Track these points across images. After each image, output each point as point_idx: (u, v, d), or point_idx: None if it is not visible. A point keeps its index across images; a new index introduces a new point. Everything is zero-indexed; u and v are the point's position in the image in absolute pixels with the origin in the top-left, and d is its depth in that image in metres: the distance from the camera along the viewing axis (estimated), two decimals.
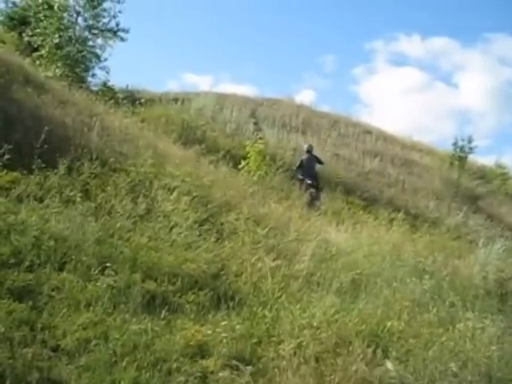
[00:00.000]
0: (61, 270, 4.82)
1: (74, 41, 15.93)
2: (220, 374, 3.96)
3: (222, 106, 17.07)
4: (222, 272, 5.51)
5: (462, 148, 19.01)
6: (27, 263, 4.64)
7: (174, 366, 3.92)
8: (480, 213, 16.44)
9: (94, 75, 16.83)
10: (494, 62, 63.72)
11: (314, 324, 4.46)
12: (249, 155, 12.00)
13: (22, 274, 4.51)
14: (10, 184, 6.00)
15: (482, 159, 22.54)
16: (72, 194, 6.09)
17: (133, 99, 14.95)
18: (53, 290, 4.48)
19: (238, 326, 4.49)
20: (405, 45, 68.30)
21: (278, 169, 12.08)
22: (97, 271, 4.82)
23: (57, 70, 14.56)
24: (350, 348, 4.18)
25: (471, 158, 19.79)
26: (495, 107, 63.95)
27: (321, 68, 63.80)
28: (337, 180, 14.26)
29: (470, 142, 19.05)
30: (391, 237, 8.26)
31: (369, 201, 13.69)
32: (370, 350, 4.20)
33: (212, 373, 3.98)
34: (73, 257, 4.94)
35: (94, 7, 16.51)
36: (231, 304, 4.92)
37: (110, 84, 16.22)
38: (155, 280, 4.99)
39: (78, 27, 16.52)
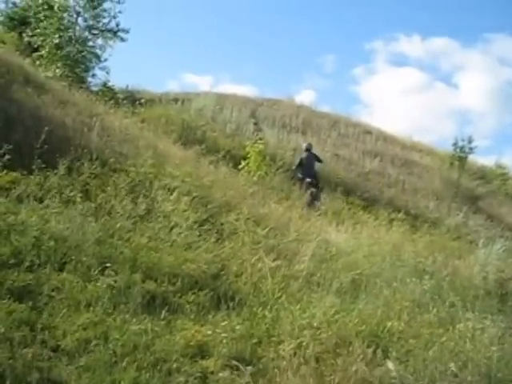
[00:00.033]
0: (61, 270, 4.82)
1: (74, 41, 15.95)
2: (220, 375, 3.96)
3: (222, 106, 17.07)
4: (222, 272, 5.51)
5: (462, 148, 19.01)
6: (27, 263, 4.64)
7: (174, 366, 3.92)
8: (480, 213, 16.45)
9: (94, 75, 16.91)
10: (494, 63, 63.76)
11: (314, 324, 4.46)
12: (249, 155, 12.00)
13: (22, 274, 4.51)
14: (10, 184, 6.00)
15: (482, 159, 22.60)
16: (72, 194, 6.09)
17: (133, 99, 14.95)
18: (53, 291, 4.48)
19: (238, 327, 4.48)
20: (405, 45, 68.41)
21: (278, 169, 12.09)
22: (97, 271, 4.83)
23: (57, 71, 14.57)
24: (350, 348, 4.18)
25: (471, 158, 19.82)
26: (495, 107, 64.00)
27: (321, 68, 63.86)
28: (337, 180, 14.27)
29: (470, 142, 19.07)
30: (391, 237, 8.26)
31: (369, 201, 13.70)
32: (370, 351, 4.20)
33: (212, 373, 3.98)
34: (73, 257, 4.94)
35: (94, 7, 16.54)
36: (231, 304, 4.92)
37: (110, 84, 16.26)
38: (155, 280, 4.99)
39: (78, 27, 16.57)
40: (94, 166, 6.73)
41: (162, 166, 7.68)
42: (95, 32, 16.89)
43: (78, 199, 6.00)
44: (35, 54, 14.90)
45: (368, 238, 7.97)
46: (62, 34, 15.56)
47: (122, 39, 17.19)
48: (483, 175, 20.73)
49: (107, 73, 16.72)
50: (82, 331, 4.07)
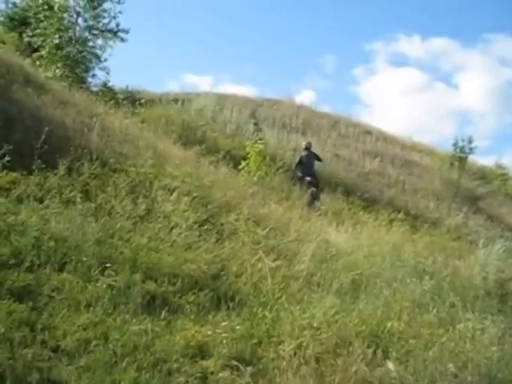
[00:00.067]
0: (61, 270, 4.82)
1: (74, 41, 15.95)
2: (220, 375, 3.96)
3: (222, 106, 17.06)
4: (222, 272, 5.51)
5: (462, 148, 19.01)
6: (27, 264, 4.64)
7: (174, 366, 3.92)
8: (480, 213, 16.44)
9: (94, 76, 16.89)
10: (494, 63, 63.75)
11: (315, 324, 4.46)
12: (249, 156, 12.00)
13: (22, 274, 4.51)
14: (10, 184, 6.00)
15: (482, 160, 22.60)
16: (72, 194, 6.09)
17: (133, 100, 14.95)
18: (53, 291, 4.47)
19: (238, 327, 4.48)
20: (405, 45, 68.40)
21: (278, 169, 12.09)
22: (97, 272, 4.83)
23: (57, 71, 14.57)
24: (351, 348, 4.18)
25: (471, 158, 19.82)
26: (495, 108, 63.97)
27: (321, 68, 63.83)
28: (337, 180, 14.26)
29: (470, 142, 19.07)
30: (391, 237, 8.26)
31: (369, 201, 13.69)
32: (370, 351, 4.20)
33: (212, 373, 3.98)
34: (73, 257, 4.94)
35: (94, 8, 16.54)
36: (231, 304, 4.92)
37: (110, 84, 16.25)
38: (155, 280, 4.99)
39: (78, 28, 16.56)
40: (94, 167, 6.73)
41: (162, 166, 7.68)
42: (95, 32, 16.89)
43: (78, 199, 6.00)
44: (35, 55, 14.90)
45: (368, 238, 7.97)
46: (62, 34, 15.56)
47: (122, 39, 17.19)
48: (483, 175, 20.72)
49: (107, 73, 16.74)
50: (82, 331, 4.06)
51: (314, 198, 11.76)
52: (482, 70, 63.05)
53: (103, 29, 16.90)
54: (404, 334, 4.64)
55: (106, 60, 16.98)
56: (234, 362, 4.05)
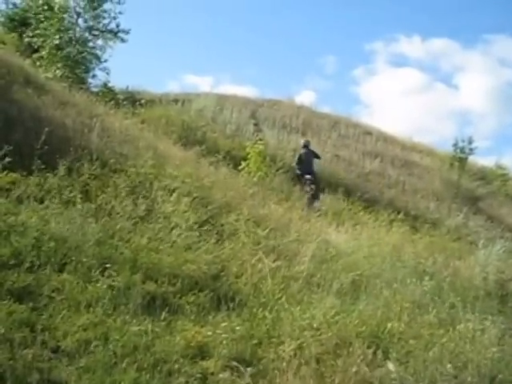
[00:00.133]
0: (61, 271, 4.82)
1: (74, 42, 15.95)
2: (220, 376, 3.96)
3: (223, 106, 17.06)
4: (222, 273, 5.51)
5: (462, 149, 18.99)
6: (27, 264, 4.63)
7: (175, 367, 3.92)
8: (480, 214, 16.44)
9: (94, 76, 16.88)
10: (495, 63, 63.66)
11: (315, 325, 4.46)
12: (249, 156, 11.99)
13: (22, 275, 4.51)
14: (10, 185, 6.00)
15: (482, 160, 22.50)
16: (72, 195, 6.09)
17: (133, 100, 14.93)
18: (53, 291, 4.47)
19: (238, 327, 4.48)
20: (405, 46, 68.34)
21: (278, 170, 12.09)
22: (97, 272, 4.82)
23: (57, 71, 14.57)
24: (351, 349, 4.18)
25: (471, 159, 19.79)
26: (495, 108, 63.85)
27: (321, 69, 63.69)
28: (337, 181, 14.26)
29: (470, 143, 19.04)
30: (391, 238, 8.27)
31: (369, 202, 13.67)
32: (370, 351, 4.20)
33: (212, 374, 3.98)
34: (73, 258, 4.94)
35: (95, 8, 16.54)
36: (231, 305, 4.92)
37: (110, 85, 16.25)
38: (155, 281, 4.99)
39: (78, 28, 16.56)
40: (94, 167, 6.73)
41: (162, 166, 7.68)
42: (95, 33, 16.89)
43: (78, 200, 6.00)
44: (35, 55, 14.90)
45: (368, 238, 7.98)
46: (62, 34, 15.56)
47: (123, 40, 17.19)
48: (483, 176, 20.70)
49: (107, 73, 16.73)
50: (82, 332, 4.06)
51: (314, 197, 11.80)
52: (482, 71, 63.02)
53: (103, 29, 16.91)
54: (404, 335, 4.64)
55: (106, 60, 17.00)
56: (234, 363, 4.05)
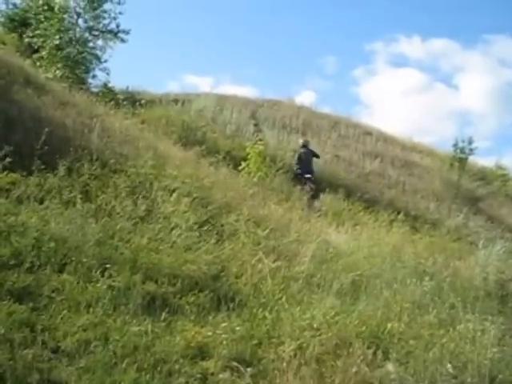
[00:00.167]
0: (61, 271, 4.82)
1: (74, 42, 15.94)
2: (220, 376, 3.96)
3: (223, 107, 17.05)
4: (223, 273, 5.51)
5: (462, 149, 18.99)
6: (27, 264, 4.63)
7: (175, 367, 3.92)
8: (480, 214, 16.43)
9: (94, 76, 16.85)
10: (495, 64, 63.64)
11: (315, 325, 4.46)
12: (249, 156, 11.99)
13: (22, 275, 4.50)
14: (10, 185, 5.99)
15: (482, 160, 22.50)
16: (72, 195, 6.09)
17: (133, 100, 14.93)
18: (53, 292, 4.47)
19: (238, 328, 4.48)
20: (405, 46, 68.29)
21: (278, 170, 12.09)
22: (97, 272, 4.82)
23: (57, 72, 14.55)
24: (351, 349, 4.18)
25: (471, 159, 19.78)
26: (496, 109, 63.84)
27: (321, 69, 63.68)
28: (337, 181, 14.26)
29: (470, 143, 19.03)
30: (391, 238, 8.26)
31: (369, 202, 13.67)
32: (370, 352, 4.20)
33: (212, 374, 3.98)
34: (73, 258, 4.94)
35: (95, 9, 16.53)
36: (231, 305, 4.92)
37: (110, 85, 16.22)
38: (155, 281, 4.99)
39: (78, 29, 16.53)
40: (94, 167, 6.73)
41: (162, 167, 7.68)
42: (96, 33, 16.87)
43: (78, 200, 6.00)
44: (35, 55, 14.89)
45: (368, 239, 7.98)
46: (62, 35, 15.55)
47: (123, 40, 17.17)
48: (483, 176, 20.70)
49: (107, 74, 16.70)
50: (82, 332, 4.06)
51: (314, 196, 11.82)
52: (482, 71, 63.03)
53: (103, 30, 16.89)
54: (404, 335, 4.64)
55: (106, 61, 16.97)
56: (235, 363, 4.05)
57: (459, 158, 18.95)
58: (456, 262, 7.87)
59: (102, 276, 4.78)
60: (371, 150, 18.83)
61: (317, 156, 13.29)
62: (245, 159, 11.91)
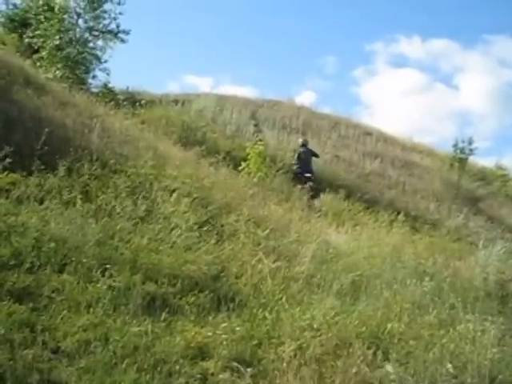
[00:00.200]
0: (61, 271, 4.82)
1: (74, 42, 15.94)
2: (220, 376, 3.96)
3: (223, 107, 17.06)
4: (223, 274, 5.51)
5: (462, 149, 18.98)
6: (27, 265, 4.63)
7: (175, 367, 3.91)
8: (480, 214, 16.43)
9: (94, 77, 16.84)
10: (495, 64, 63.62)
11: (315, 326, 4.46)
12: (249, 157, 11.99)
13: (22, 275, 4.50)
14: (10, 185, 5.99)
15: (482, 161, 22.48)
16: (72, 195, 6.09)
17: (133, 101, 14.92)
18: (53, 292, 4.47)
19: (238, 328, 4.48)
20: (405, 46, 68.20)
21: (278, 170, 12.09)
22: (97, 273, 4.82)
23: (57, 72, 14.55)
24: (351, 350, 4.18)
25: (472, 159, 19.77)
26: (496, 109, 63.81)
27: (321, 70, 63.67)
28: (337, 182, 14.26)
29: (470, 143, 19.03)
30: (391, 238, 8.26)
31: (369, 202, 13.67)
32: (370, 352, 4.20)
33: (212, 375, 3.98)
34: (73, 258, 4.94)
35: (95, 9, 16.52)
36: (231, 306, 4.92)
37: (110, 85, 16.23)
38: (155, 282, 4.99)
39: (78, 29, 16.53)
40: (94, 168, 6.73)
41: (162, 167, 7.68)
42: (96, 33, 16.86)
43: (78, 200, 6.00)
44: (36, 56, 14.89)
45: (368, 239, 7.98)
46: (62, 35, 15.54)
47: (123, 40, 17.16)
48: (483, 176, 20.70)
49: (108, 74, 16.70)
50: (82, 332, 4.06)
51: (314, 196, 11.84)
52: (482, 71, 63.01)
53: (104, 30, 16.88)
54: (404, 336, 4.64)
55: (106, 61, 16.97)
56: (235, 364, 4.05)
57: (459, 159, 18.95)
58: (456, 263, 7.87)
59: (102, 276, 4.79)
60: (371, 151, 18.83)
61: (316, 155, 13.33)
62: (245, 159, 11.91)
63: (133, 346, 4.02)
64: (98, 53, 16.90)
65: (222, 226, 6.68)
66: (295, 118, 18.85)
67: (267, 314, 4.72)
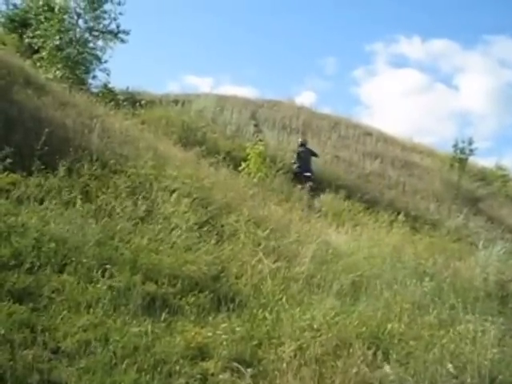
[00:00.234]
0: (61, 271, 4.82)
1: (74, 43, 15.92)
2: (220, 376, 3.96)
3: (223, 107, 17.05)
4: (223, 274, 5.51)
5: (462, 150, 18.97)
6: (27, 265, 4.64)
7: (175, 368, 3.92)
8: (480, 215, 16.42)
9: (94, 77, 16.82)
10: (495, 64, 63.57)
11: (315, 326, 4.46)
12: (249, 157, 11.99)
13: (22, 275, 4.51)
14: (10, 186, 6.00)
15: (482, 161, 22.47)
16: (72, 195, 6.10)
17: (133, 101, 14.91)
18: (53, 292, 4.47)
19: (238, 328, 4.48)
20: (405, 46, 68.20)
21: (278, 171, 12.08)
22: (97, 273, 4.83)
23: (57, 72, 14.54)
24: (351, 350, 4.18)
25: (472, 159, 19.75)
26: (496, 109, 63.79)
27: (321, 70, 63.62)
28: (337, 182, 14.25)
29: (470, 143, 19.00)
30: (391, 239, 8.27)
31: (369, 203, 13.65)
32: (370, 352, 4.20)
33: (212, 375, 3.98)
34: (73, 259, 4.94)
35: (95, 9, 16.51)
36: (231, 306, 4.92)
37: (110, 86, 16.22)
38: (155, 282, 4.99)
39: (78, 29, 16.50)
40: (94, 168, 6.74)
41: (162, 167, 7.69)
42: (96, 34, 16.85)
43: (78, 201, 6.00)
44: (36, 56, 14.88)
45: (368, 239, 7.98)
46: (62, 35, 15.53)
47: (123, 41, 17.14)
48: (484, 177, 20.69)
49: (108, 74, 16.67)
50: (82, 333, 4.06)
51: (314, 195, 11.86)
52: (482, 72, 62.98)
53: (104, 30, 16.87)
54: (404, 336, 4.64)
55: (106, 61, 16.94)
56: (235, 364, 4.05)
57: (459, 159, 18.94)
58: (456, 263, 7.87)
59: (102, 276, 4.79)
60: (371, 151, 18.82)
61: (315, 155, 13.40)
62: (245, 160, 11.91)
63: (133, 346, 4.02)
64: (98, 53, 16.89)
65: (222, 226, 6.68)
66: (295, 119, 18.84)
67: (267, 315, 4.72)
